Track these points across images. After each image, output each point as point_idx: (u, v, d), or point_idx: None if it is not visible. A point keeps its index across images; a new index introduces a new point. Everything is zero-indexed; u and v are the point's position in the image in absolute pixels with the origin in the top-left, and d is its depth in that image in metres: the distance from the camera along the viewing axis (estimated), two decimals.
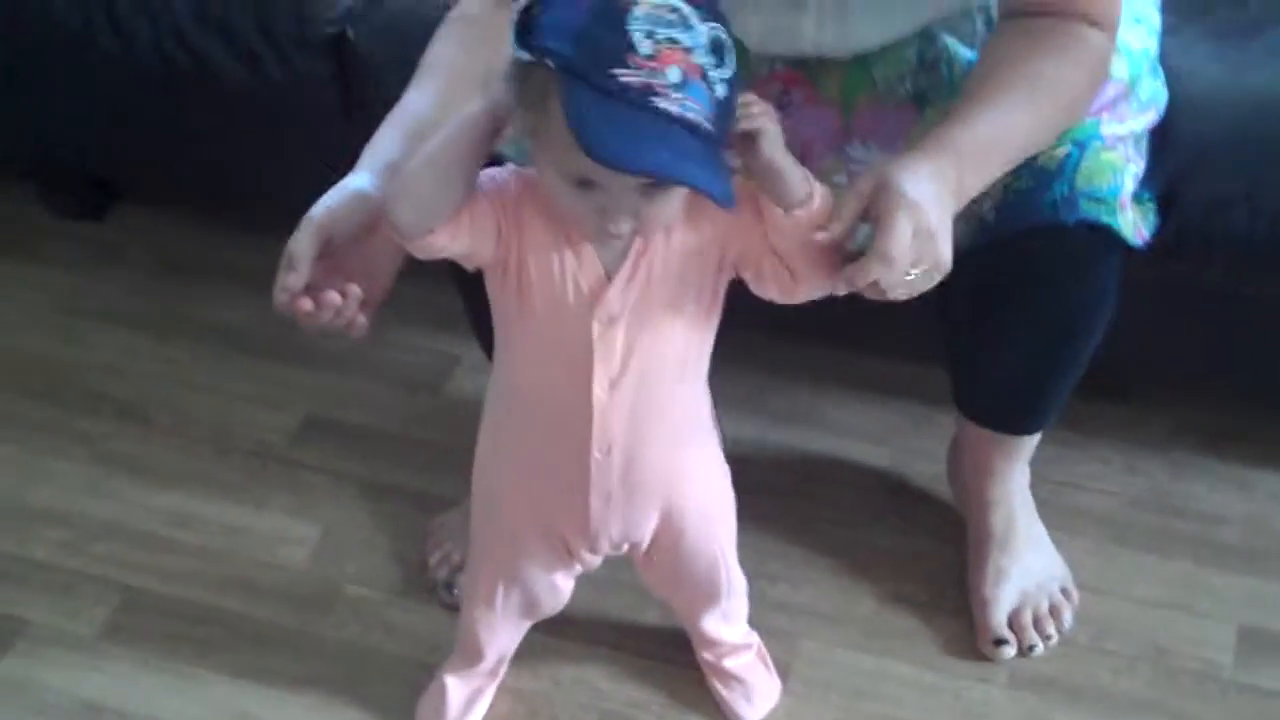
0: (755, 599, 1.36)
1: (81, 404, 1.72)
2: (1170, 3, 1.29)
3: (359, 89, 1.56)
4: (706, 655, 1.37)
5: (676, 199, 0.97)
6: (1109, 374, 1.39)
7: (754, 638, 1.38)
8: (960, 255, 0.99)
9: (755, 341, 1.45)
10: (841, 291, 0.99)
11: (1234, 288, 1.38)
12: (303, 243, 1.00)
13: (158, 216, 1.98)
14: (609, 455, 1.10)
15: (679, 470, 1.16)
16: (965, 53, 1.17)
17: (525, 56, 0.89)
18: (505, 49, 0.91)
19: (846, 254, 1.00)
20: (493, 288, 1.07)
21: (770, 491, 1.54)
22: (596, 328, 1.04)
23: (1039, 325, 1.24)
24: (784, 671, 1.40)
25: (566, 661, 1.42)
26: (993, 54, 1.09)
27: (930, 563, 1.50)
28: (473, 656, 1.33)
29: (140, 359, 1.78)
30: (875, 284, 0.96)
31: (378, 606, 1.49)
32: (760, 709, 1.37)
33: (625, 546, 1.22)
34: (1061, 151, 1.14)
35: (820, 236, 0.97)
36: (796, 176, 0.97)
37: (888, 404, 1.66)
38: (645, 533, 1.20)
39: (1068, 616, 1.42)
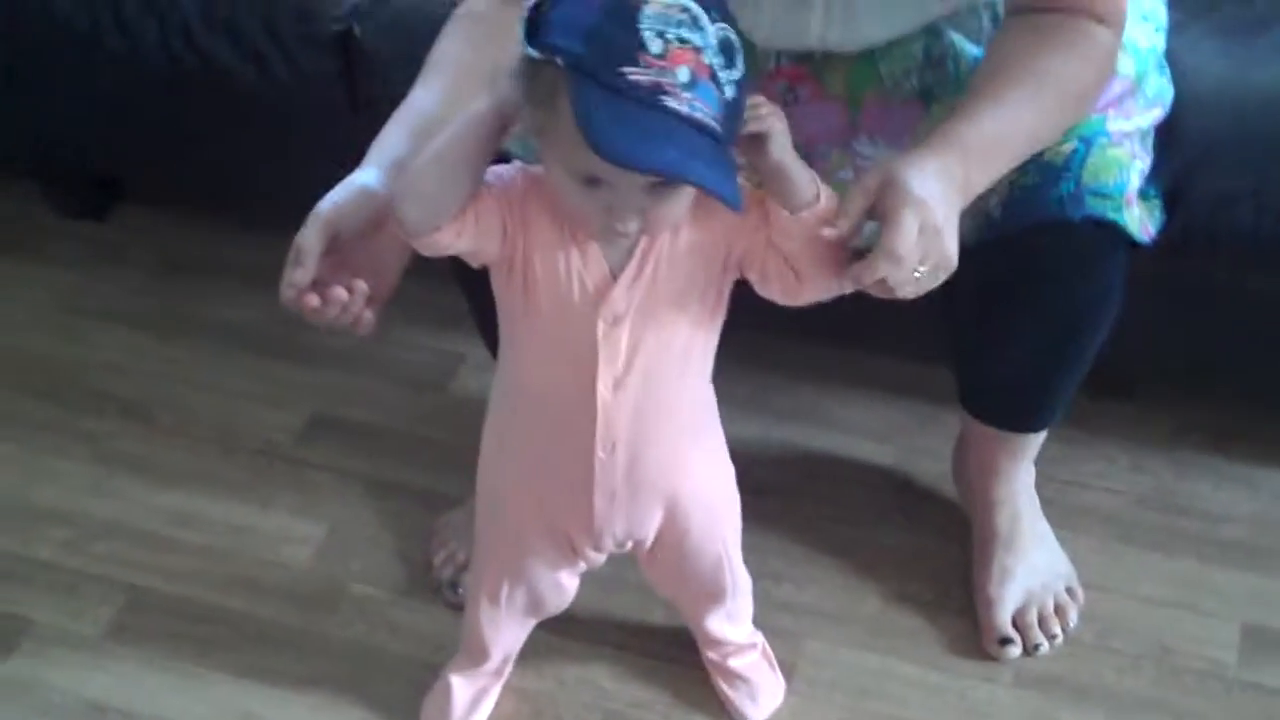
0: (760, 598, 1.36)
1: (85, 403, 1.72)
2: (1176, 0, 1.29)
3: (365, 87, 1.56)
4: (711, 655, 1.37)
5: (684, 199, 0.96)
6: (1114, 372, 1.39)
7: (759, 637, 1.38)
8: (966, 251, 0.99)
9: (759, 340, 1.45)
10: (849, 290, 0.99)
11: (1240, 285, 1.38)
12: (310, 238, 0.99)
13: (160, 215, 1.99)
14: (613, 454, 1.10)
15: (683, 469, 1.16)
16: (971, 49, 1.17)
17: (534, 54, 0.89)
18: (512, 46, 0.91)
19: (852, 252, 1.00)
20: (498, 285, 1.07)
21: (774, 490, 1.54)
22: (601, 326, 1.04)
23: (1045, 322, 1.24)
24: (789, 671, 1.40)
25: (571, 661, 1.42)
26: (999, 50, 1.09)
27: (935, 562, 1.49)
28: (478, 655, 1.33)
29: (143, 358, 1.78)
30: (882, 282, 0.96)
31: (383, 606, 1.48)
32: (765, 709, 1.37)
33: (629, 544, 1.22)
34: (1068, 147, 1.14)
35: (827, 232, 0.97)
36: (804, 178, 0.97)
37: (892, 403, 1.66)
38: (649, 530, 1.20)
39: (1073, 615, 1.42)
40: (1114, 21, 1.08)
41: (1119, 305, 1.24)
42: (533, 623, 1.33)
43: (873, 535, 1.53)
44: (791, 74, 1.21)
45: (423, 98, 1.10)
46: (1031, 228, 1.16)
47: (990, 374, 1.35)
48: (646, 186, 0.93)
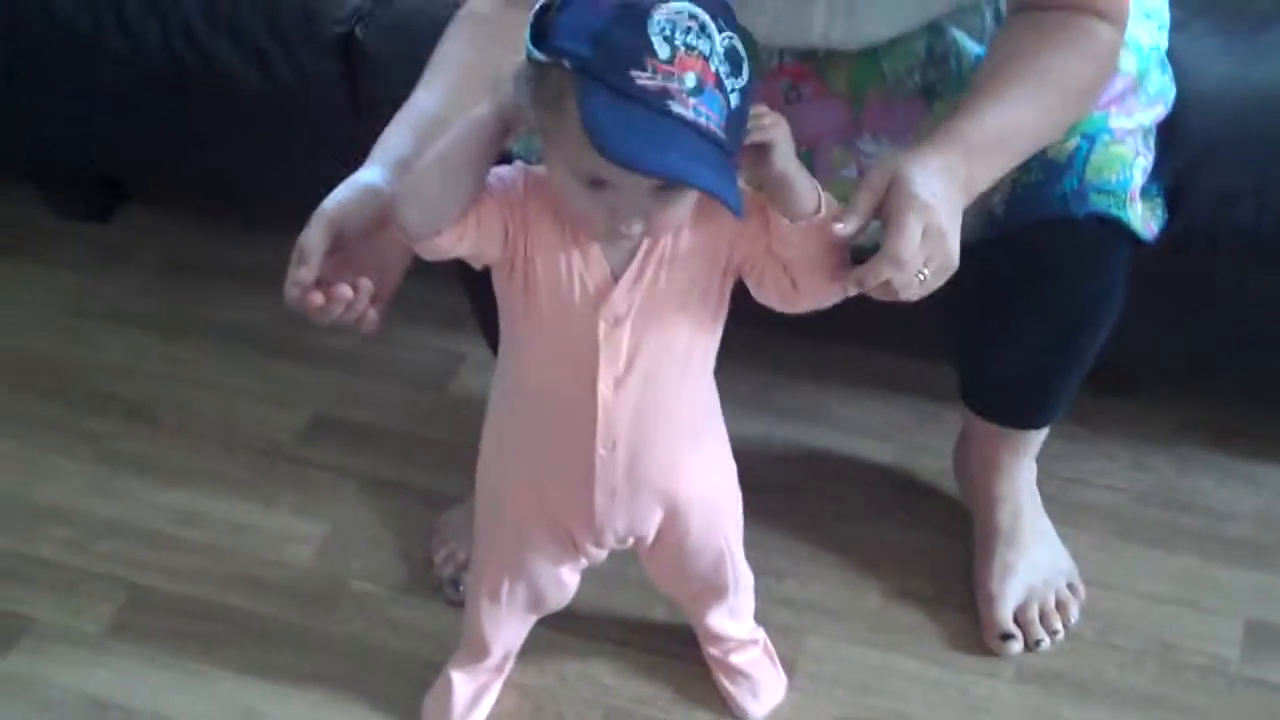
0: (761, 594, 1.36)
1: (89, 404, 1.73)
2: None
3: (367, 88, 1.56)
4: (713, 650, 1.37)
5: (687, 202, 0.97)
6: (1116, 369, 1.40)
7: (760, 633, 1.38)
8: (969, 249, 0.99)
9: (761, 338, 1.45)
10: (851, 294, 1.00)
11: (1241, 282, 1.38)
12: (314, 236, 0.99)
13: (164, 217, 1.99)
14: (614, 451, 1.10)
15: (684, 466, 1.16)
16: (974, 47, 1.17)
17: (541, 57, 0.89)
18: (516, 48, 0.91)
19: (852, 256, 1.00)
20: (499, 286, 1.07)
21: (776, 488, 1.54)
22: (603, 327, 1.04)
23: (1048, 319, 1.24)
24: (790, 667, 1.40)
25: (572, 657, 1.42)
26: (1002, 48, 1.09)
27: (936, 558, 1.50)
28: (478, 652, 1.34)
29: (147, 359, 1.79)
30: (886, 285, 0.96)
31: (383, 603, 1.49)
32: (766, 704, 1.37)
33: (631, 540, 1.22)
34: (1071, 145, 1.14)
35: (838, 228, 0.97)
36: (806, 187, 0.97)
37: (893, 400, 1.67)
38: (650, 527, 1.20)
39: (1074, 611, 1.42)
40: (1116, 18, 1.08)
41: (1122, 302, 1.24)
42: (533, 619, 1.33)
43: (874, 532, 1.53)
44: (794, 72, 1.21)
45: (425, 98, 1.10)
46: (1035, 225, 1.16)
47: (993, 371, 1.35)
48: (651, 189, 0.93)
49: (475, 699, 1.36)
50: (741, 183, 0.95)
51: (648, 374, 1.07)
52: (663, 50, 0.86)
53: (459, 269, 1.07)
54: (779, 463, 1.60)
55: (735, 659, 1.36)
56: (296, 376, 1.75)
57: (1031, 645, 1.40)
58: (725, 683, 1.37)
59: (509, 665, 1.37)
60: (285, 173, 1.56)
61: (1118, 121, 1.17)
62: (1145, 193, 1.22)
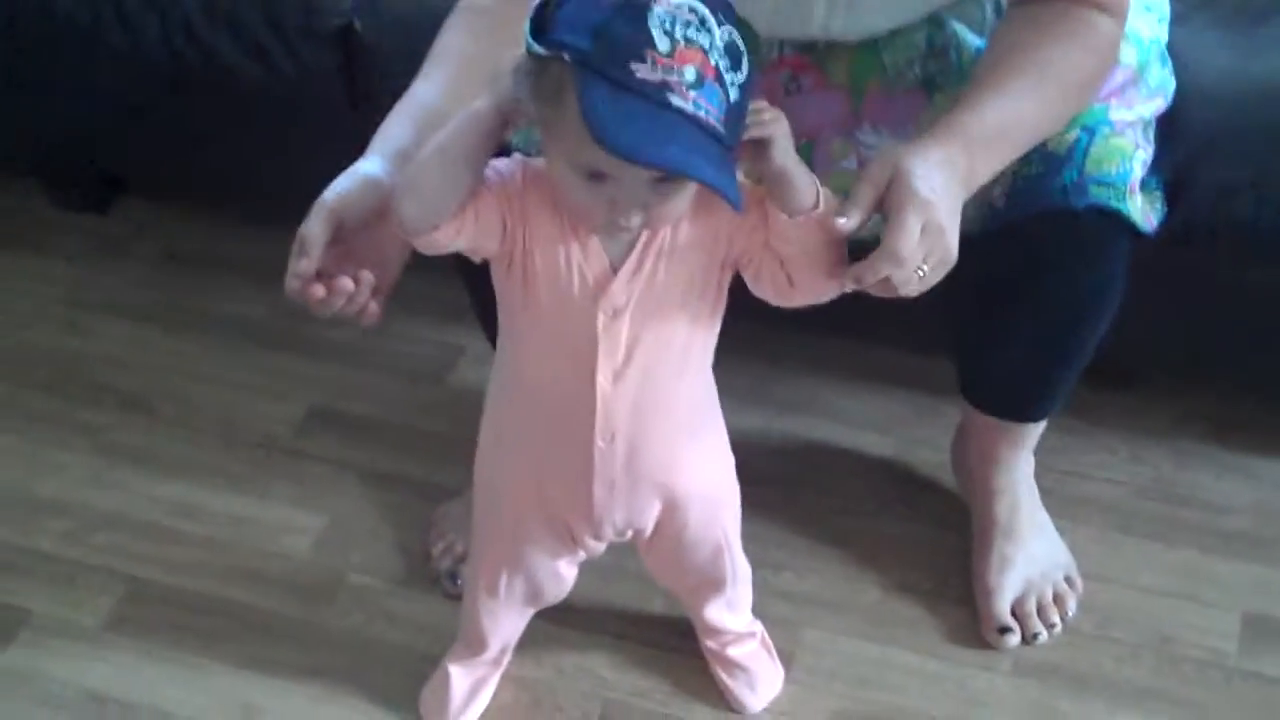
0: (759, 587, 1.36)
1: (86, 396, 1.73)
2: None
3: (366, 81, 1.56)
4: (710, 643, 1.37)
5: (686, 195, 0.97)
6: (1115, 362, 1.40)
7: (758, 626, 1.38)
8: (969, 242, 0.99)
9: (760, 332, 1.46)
10: (850, 289, 0.99)
11: (1240, 275, 1.38)
12: (315, 227, 0.99)
13: (162, 209, 1.99)
14: (612, 443, 1.10)
15: (682, 459, 1.16)
16: (974, 39, 1.17)
17: (540, 50, 0.89)
18: (515, 40, 0.91)
19: (852, 248, 1.00)
20: (498, 279, 1.07)
21: (774, 481, 1.54)
22: (601, 319, 1.04)
23: (1048, 311, 1.24)
24: (788, 660, 1.40)
25: (570, 650, 1.42)
26: (1002, 40, 1.09)
27: (934, 551, 1.50)
28: (476, 645, 1.34)
29: (145, 351, 1.78)
30: (885, 281, 0.96)
31: (381, 596, 1.49)
32: (764, 697, 1.38)
33: (629, 533, 1.22)
34: (1071, 137, 1.14)
35: (839, 223, 0.97)
36: (805, 183, 0.97)
37: (891, 393, 1.67)
38: (648, 519, 1.20)
39: (1072, 605, 1.43)
40: (1116, 11, 1.08)
41: (1121, 295, 1.24)
42: (531, 612, 1.33)
43: (872, 525, 1.53)
44: (794, 63, 1.21)
45: (425, 90, 1.10)
46: (1035, 217, 1.16)
47: (992, 364, 1.35)
48: (650, 181, 0.93)
49: (473, 692, 1.36)
50: (740, 177, 0.95)
51: (646, 367, 1.07)
52: (662, 43, 0.86)
53: (458, 262, 1.07)
54: (777, 456, 1.60)
55: (733, 652, 1.36)
56: (295, 369, 1.74)
57: (1029, 638, 1.40)
58: (723, 675, 1.37)
59: (507, 658, 1.37)
60: (284, 166, 1.55)
61: (1118, 114, 1.17)
62: (1145, 185, 1.22)
